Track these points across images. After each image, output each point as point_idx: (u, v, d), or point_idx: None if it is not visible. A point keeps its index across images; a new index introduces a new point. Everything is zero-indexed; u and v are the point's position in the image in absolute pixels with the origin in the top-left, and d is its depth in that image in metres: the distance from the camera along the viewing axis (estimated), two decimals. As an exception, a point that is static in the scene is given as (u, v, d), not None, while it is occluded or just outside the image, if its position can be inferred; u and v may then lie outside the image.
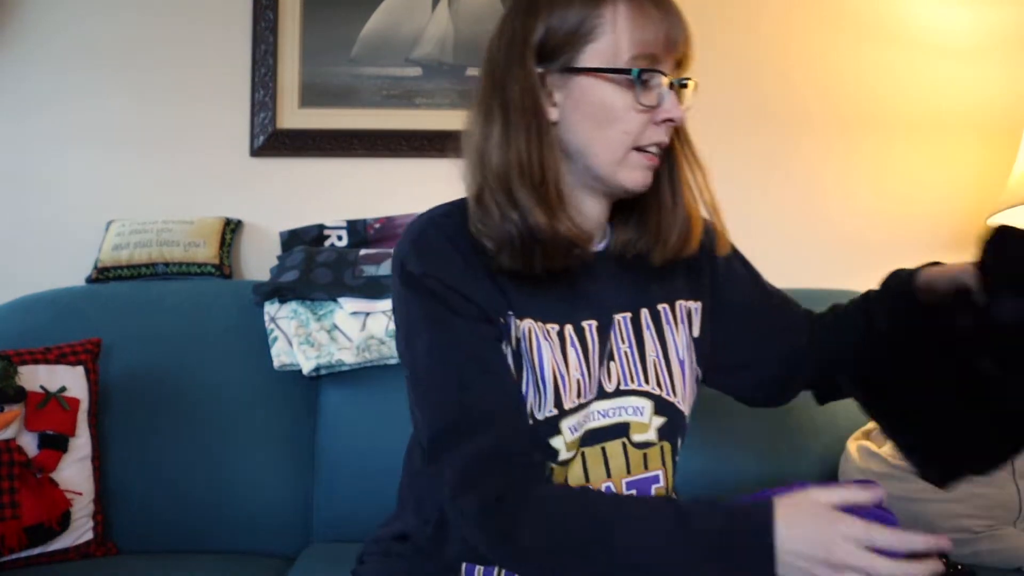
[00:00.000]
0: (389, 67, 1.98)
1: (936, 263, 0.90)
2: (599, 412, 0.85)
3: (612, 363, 0.87)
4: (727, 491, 1.43)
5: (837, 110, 2.09)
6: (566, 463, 0.84)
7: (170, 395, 1.56)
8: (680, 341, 0.91)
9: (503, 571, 0.85)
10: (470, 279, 0.82)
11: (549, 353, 0.82)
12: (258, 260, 1.93)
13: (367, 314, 1.61)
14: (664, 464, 0.89)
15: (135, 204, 1.92)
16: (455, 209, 0.85)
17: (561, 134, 0.83)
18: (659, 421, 0.88)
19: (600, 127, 0.82)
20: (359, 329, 1.58)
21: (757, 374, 1.02)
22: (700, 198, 0.91)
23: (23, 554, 1.32)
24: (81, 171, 1.93)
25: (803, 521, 0.70)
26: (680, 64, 0.85)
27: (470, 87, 1.64)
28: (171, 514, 1.50)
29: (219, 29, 1.97)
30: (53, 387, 1.43)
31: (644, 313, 0.90)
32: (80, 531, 1.39)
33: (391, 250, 1.51)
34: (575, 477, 0.85)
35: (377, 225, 1.83)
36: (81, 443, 1.43)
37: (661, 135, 0.84)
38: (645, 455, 0.87)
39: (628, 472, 0.86)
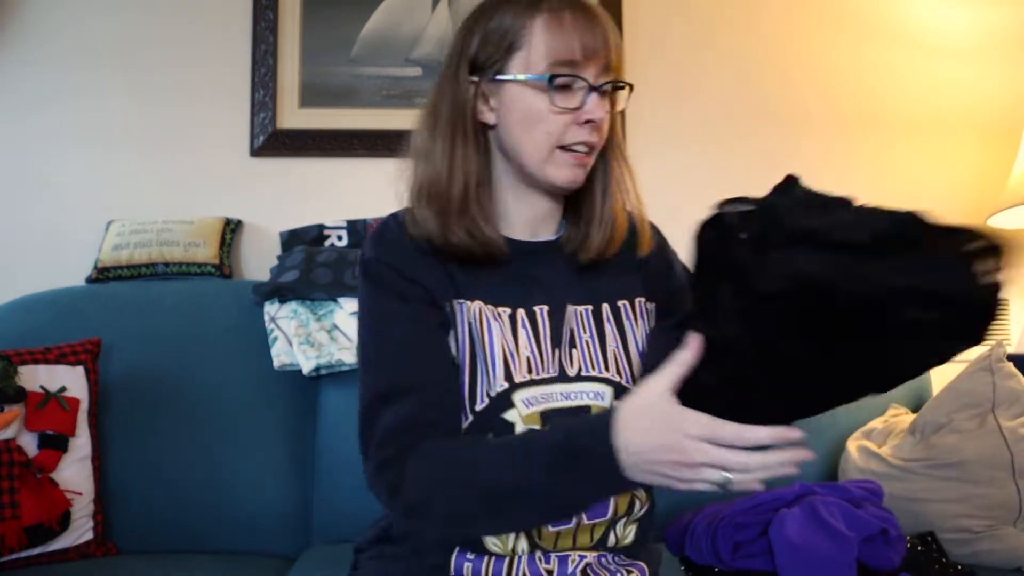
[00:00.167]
0: (389, 67, 1.98)
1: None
2: (561, 394, 0.90)
3: (574, 350, 0.92)
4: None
5: (837, 110, 2.09)
6: None
7: (170, 395, 1.56)
8: (639, 335, 0.96)
9: (491, 568, 0.88)
10: (421, 266, 0.91)
11: (499, 332, 0.89)
12: (258, 260, 1.93)
13: (367, 314, 1.60)
14: None
15: (135, 204, 1.92)
16: None
17: (499, 136, 0.92)
18: None
19: (527, 129, 0.90)
20: (359, 329, 1.58)
21: None
22: (627, 199, 0.98)
23: (23, 554, 1.32)
24: (81, 171, 1.93)
25: (649, 426, 0.74)
26: (608, 69, 0.90)
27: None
28: (171, 514, 1.50)
29: (219, 29, 1.97)
30: (53, 387, 1.43)
31: (605, 307, 0.96)
32: (80, 531, 1.39)
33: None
34: None
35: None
36: (81, 443, 1.43)
37: (585, 135, 0.90)
38: None
39: None
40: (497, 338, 0.89)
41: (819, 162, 2.08)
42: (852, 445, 1.52)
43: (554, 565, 0.88)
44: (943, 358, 0.66)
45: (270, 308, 1.62)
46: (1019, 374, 1.42)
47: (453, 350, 0.89)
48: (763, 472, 0.72)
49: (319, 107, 1.96)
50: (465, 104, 0.91)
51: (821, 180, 2.15)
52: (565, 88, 0.88)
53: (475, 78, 0.91)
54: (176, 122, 1.95)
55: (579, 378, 0.91)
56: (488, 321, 0.89)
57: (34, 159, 1.92)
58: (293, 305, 1.61)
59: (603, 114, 0.89)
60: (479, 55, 0.91)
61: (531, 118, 0.89)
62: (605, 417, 0.77)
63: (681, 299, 1.01)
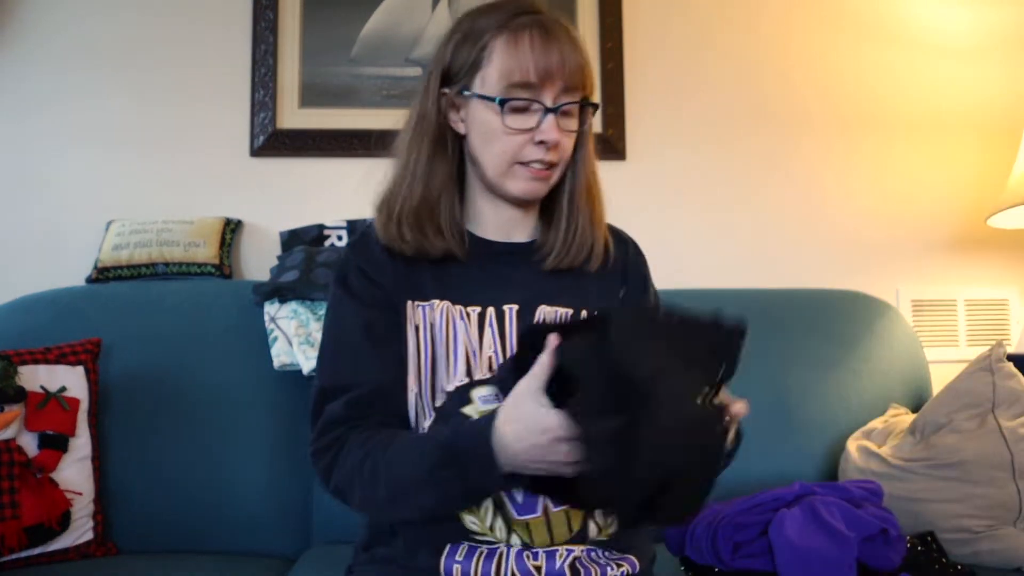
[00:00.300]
0: (389, 67, 1.98)
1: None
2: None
3: None
4: (727, 491, 1.42)
5: (837, 110, 2.09)
6: None
7: (170, 395, 1.56)
8: None
9: (479, 568, 0.90)
10: (387, 269, 0.97)
11: (463, 332, 0.94)
12: (258, 260, 1.93)
13: (367, 314, 1.61)
14: None
15: (135, 204, 1.92)
16: None
17: (468, 145, 0.97)
18: None
19: (486, 144, 0.94)
20: (359, 329, 1.58)
21: None
22: (590, 216, 1.01)
23: (23, 554, 1.32)
24: (81, 171, 1.93)
25: (520, 428, 0.78)
26: (569, 90, 0.92)
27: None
28: (171, 514, 1.50)
29: (219, 29, 1.97)
30: (53, 387, 1.43)
31: (584, 314, 0.99)
32: (80, 531, 1.39)
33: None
34: None
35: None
36: (81, 443, 1.43)
37: (540, 154, 0.93)
38: None
39: None
40: (461, 337, 0.94)
41: (819, 162, 2.08)
42: (852, 445, 1.52)
43: (542, 561, 0.89)
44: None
45: (270, 308, 1.62)
46: (1019, 374, 1.42)
47: (412, 349, 0.94)
48: None
49: (319, 107, 1.96)
50: (435, 113, 0.96)
51: (821, 180, 2.15)
52: (522, 109, 0.91)
53: (447, 90, 0.96)
54: (176, 122, 1.95)
55: None
56: (455, 321, 0.94)
57: (34, 159, 1.92)
58: (293, 305, 1.61)
59: (556, 136, 0.91)
60: (451, 67, 0.95)
61: (489, 135, 0.93)
62: (489, 418, 0.81)
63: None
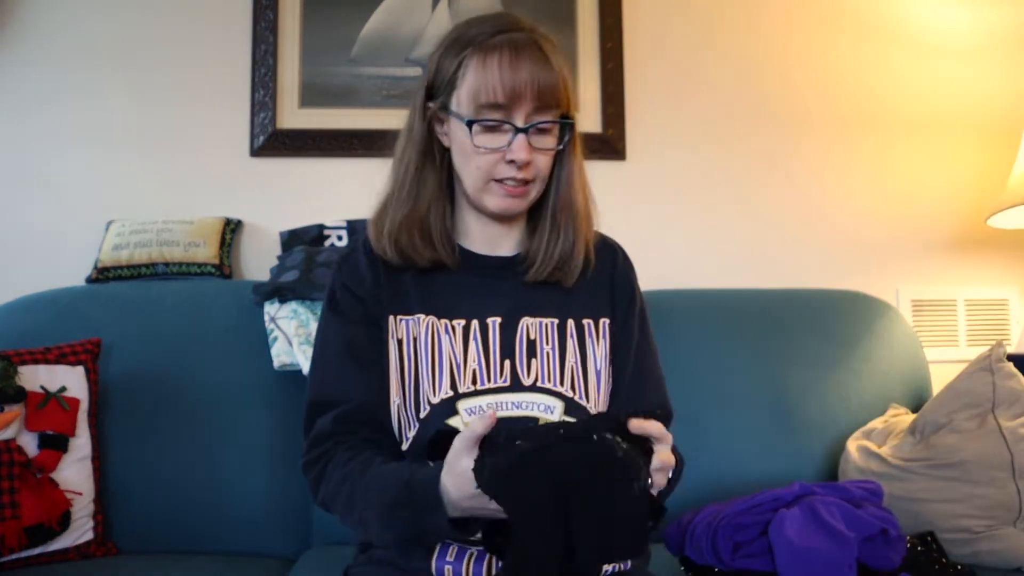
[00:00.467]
0: (389, 67, 1.98)
1: None
2: (513, 403, 0.94)
3: (534, 360, 0.96)
4: (727, 491, 1.43)
5: (837, 110, 2.09)
6: None
7: (170, 395, 1.56)
8: (600, 353, 1.00)
9: (471, 567, 0.91)
10: (372, 285, 0.99)
11: (448, 346, 0.96)
12: (258, 260, 1.93)
13: (367, 314, 1.61)
14: None
15: (135, 204, 1.92)
16: None
17: (452, 159, 0.99)
18: (569, 421, 0.94)
19: (464, 160, 0.96)
20: (359, 329, 1.58)
21: None
22: (573, 231, 1.01)
23: (23, 554, 1.32)
24: (81, 171, 1.93)
25: (455, 480, 0.79)
26: (542, 108, 0.93)
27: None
28: (171, 514, 1.50)
29: (219, 29, 1.97)
30: (53, 387, 1.43)
31: (570, 323, 1.00)
32: (80, 531, 1.39)
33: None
34: None
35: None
36: (81, 443, 1.43)
37: (513, 172, 0.94)
38: None
39: None
40: (446, 350, 0.96)
41: (819, 162, 2.08)
42: (852, 445, 1.52)
43: None
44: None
45: (270, 308, 1.62)
46: (1019, 374, 1.42)
47: (395, 362, 0.97)
48: None
49: (319, 107, 1.96)
50: (422, 126, 0.98)
51: (821, 180, 2.16)
52: (493, 128, 0.92)
53: (431, 104, 0.98)
54: (176, 122, 1.95)
55: (534, 388, 0.95)
56: (439, 335, 0.96)
57: (34, 159, 1.92)
58: (293, 305, 1.61)
59: (526, 156, 0.92)
60: (434, 82, 0.97)
61: (465, 152, 0.95)
62: (439, 469, 0.82)
63: (626, 333, 1.04)
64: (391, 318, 0.99)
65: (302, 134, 1.95)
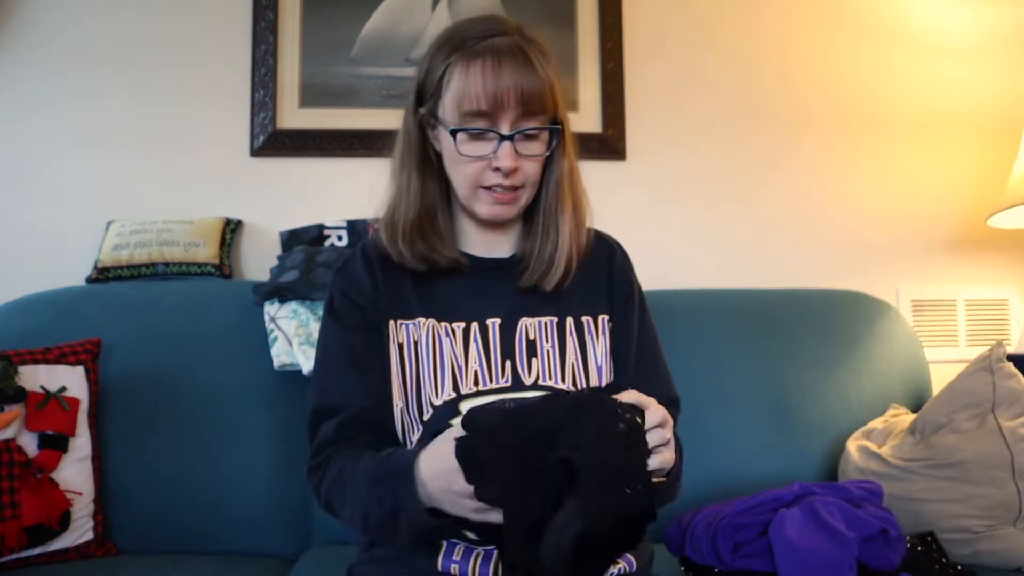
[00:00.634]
0: (389, 67, 1.98)
1: None
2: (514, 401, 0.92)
3: (534, 359, 0.96)
4: (727, 491, 1.43)
5: (837, 110, 2.09)
6: None
7: (170, 395, 1.56)
8: (599, 350, 1.00)
9: (477, 567, 0.91)
10: (368, 291, 1.00)
11: (449, 348, 0.96)
12: (258, 260, 1.93)
13: (367, 314, 1.61)
14: None
15: (135, 204, 1.92)
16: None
17: (444, 163, 0.99)
18: None
19: (453, 167, 0.97)
20: (359, 329, 1.58)
21: None
22: (565, 234, 1.00)
23: (23, 554, 1.32)
24: (81, 171, 1.93)
25: (434, 473, 0.80)
26: (528, 115, 0.92)
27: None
28: (171, 514, 1.50)
29: (219, 29, 1.97)
30: (53, 387, 1.43)
31: (569, 321, 1.00)
32: (80, 531, 1.39)
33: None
34: None
35: (377, 225, 1.83)
36: (81, 443, 1.43)
37: (499, 179, 0.94)
38: None
39: None
40: (447, 353, 0.96)
41: (819, 162, 2.08)
42: (852, 445, 1.52)
43: None
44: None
45: (270, 308, 1.62)
46: (1019, 374, 1.42)
47: (396, 366, 0.97)
48: None
49: (319, 107, 1.96)
50: (416, 131, 0.98)
51: (821, 180, 2.16)
52: (478, 136, 0.92)
53: (422, 109, 0.98)
54: (176, 122, 1.95)
55: (536, 387, 0.95)
56: (440, 339, 0.97)
57: (34, 159, 1.92)
58: (293, 305, 1.61)
59: (511, 163, 0.92)
60: (424, 87, 0.98)
61: (453, 159, 0.95)
62: (418, 450, 0.84)
63: (627, 329, 1.04)
64: (391, 323, 0.99)
65: (302, 134, 1.95)
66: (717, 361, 1.67)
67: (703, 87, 2.07)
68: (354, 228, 1.84)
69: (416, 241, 0.98)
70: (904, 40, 2.11)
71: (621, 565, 0.94)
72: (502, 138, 0.91)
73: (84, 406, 1.45)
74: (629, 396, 0.78)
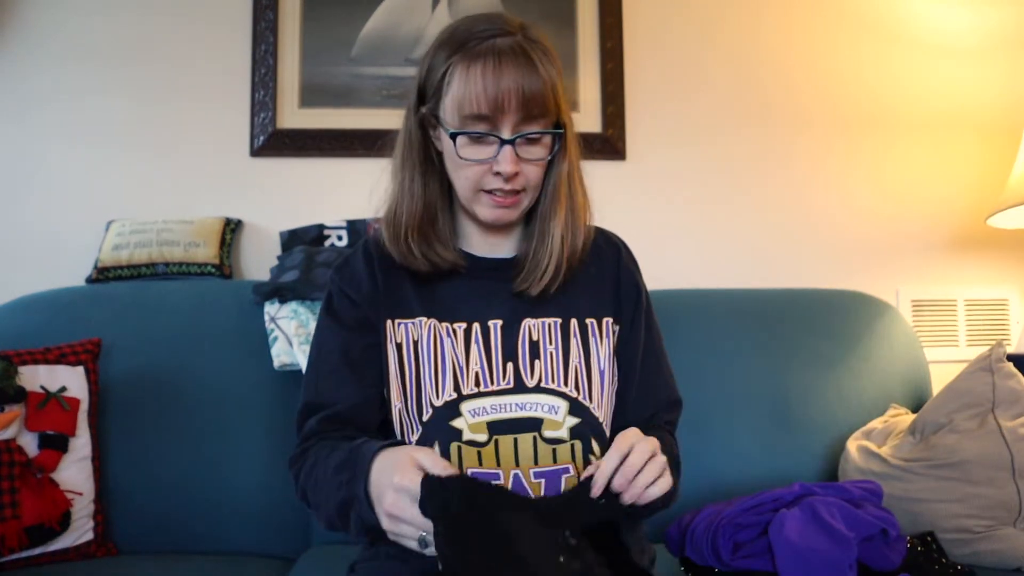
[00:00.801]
0: (389, 67, 1.98)
1: None
2: (516, 404, 0.93)
3: (537, 361, 0.95)
4: (728, 491, 1.43)
5: (837, 110, 2.09)
6: (480, 446, 0.91)
7: (170, 395, 1.56)
8: (603, 353, 0.99)
9: None
10: (367, 290, 0.99)
11: (450, 349, 0.96)
12: (258, 260, 1.93)
13: (367, 314, 1.61)
14: (574, 459, 0.94)
15: (135, 204, 1.92)
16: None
17: (445, 164, 0.97)
18: (573, 421, 0.94)
19: (454, 169, 0.95)
20: (359, 329, 1.58)
21: None
22: (564, 237, 0.99)
23: (23, 554, 1.32)
24: (81, 171, 1.93)
25: (384, 466, 0.81)
26: (530, 118, 0.90)
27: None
28: (171, 514, 1.50)
29: (219, 29, 1.97)
30: (53, 387, 1.43)
31: (573, 323, 0.99)
32: (80, 531, 1.39)
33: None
34: (488, 458, 0.92)
35: (377, 225, 1.82)
36: (81, 443, 1.43)
37: (499, 183, 0.92)
38: (555, 450, 0.93)
39: (536, 463, 0.92)
40: (448, 353, 0.95)
41: (819, 162, 2.08)
42: (852, 445, 1.52)
43: None
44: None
45: (270, 308, 1.62)
46: (1019, 374, 1.42)
47: (395, 366, 0.97)
48: None
49: (319, 107, 1.96)
50: (418, 130, 0.97)
51: (821, 180, 2.15)
52: (478, 140, 0.90)
53: (423, 108, 0.96)
54: (176, 122, 1.95)
55: (538, 389, 0.94)
56: (441, 338, 0.96)
57: (34, 159, 1.92)
58: (293, 305, 1.61)
59: (512, 168, 0.90)
60: (425, 86, 0.95)
61: (454, 162, 0.94)
62: (382, 446, 0.84)
63: (634, 333, 1.04)
64: (388, 322, 0.99)
65: (302, 134, 1.95)
66: (717, 361, 1.67)
67: (703, 87, 2.07)
68: (354, 228, 1.84)
69: (417, 241, 0.97)
70: (904, 40, 2.11)
71: None
72: (503, 142, 0.90)
73: (84, 406, 1.45)
74: (610, 460, 0.81)
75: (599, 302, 1.02)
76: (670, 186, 2.04)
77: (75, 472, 1.41)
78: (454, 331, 0.97)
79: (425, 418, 0.94)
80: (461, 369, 0.95)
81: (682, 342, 1.65)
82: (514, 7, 1.99)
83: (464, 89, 0.89)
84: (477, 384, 0.94)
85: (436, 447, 0.92)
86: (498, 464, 0.92)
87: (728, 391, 1.65)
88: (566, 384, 0.95)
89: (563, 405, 0.94)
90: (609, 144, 2.00)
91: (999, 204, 1.88)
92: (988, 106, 2.10)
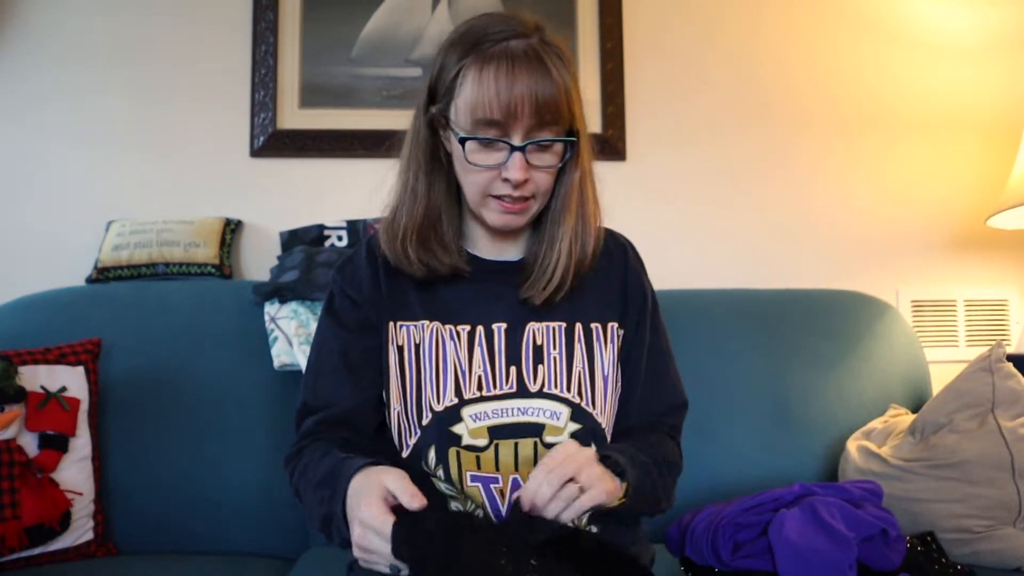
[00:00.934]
0: (389, 67, 1.98)
1: None
2: (519, 409, 0.93)
3: (540, 365, 0.94)
4: (727, 491, 1.43)
5: (837, 110, 2.09)
6: (480, 450, 0.92)
7: (170, 395, 1.56)
8: (607, 358, 0.98)
9: None
10: (368, 291, 0.98)
11: (453, 352, 0.94)
12: (258, 260, 1.93)
13: (367, 314, 1.61)
14: None
15: (135, 204, 1.92)
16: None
17: (454, 165, 0.96)
18: (574, 427, 0.94)
19: (463, 172, 0.93)
20: (359, 329, 1.58)
21: None
22: (572, 245, 0.97)
23: (23, 554, 1.32)
24: (81, 171, 1.93)
25: (357, 490, 0.81)
26: (541, 125, 0.88)
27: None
28: (171, 514, 1.50)
29: (219, 29, 1.97)
30: (53, 387, 1.43)
31: (578, 327, 0.98)
32: (80, 531, 1.40)
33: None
34: (487, 463, 0.92)
35: (377, 225, 1.83)
36: (81, 443, 1.43)
37: (508, 190, 0.91)
38: None
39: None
40: (451, 357, 0.94)
41: (819, 162, 2.08)
42: (852, 445, 1.52)
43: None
44: None
45: (270, 308, 1.62)
46: (1019, 374, 1.42)
47: (396, 369, 0.96)
48: None
49: (319, 107, 1.96)
50: (427, 131, 0.95)
51: (821, 180, 2.15)
52: (488, 145, 0.88)
53: (433, 108, 0.93)
54: (176, 122, 1.95)
55: (540, 394, 0.93)
56: (443, 342, 0.95)
57: (34, 159, 1.92)
58: (293, 305, 1.61)
59: (521, 175, 0.88)
60: (436, 86, 0.93)
61: (463, 165, 0.92)
62: (365, 464, 0.83)
63: (639, 337, 1.03)
64: (390, 324, 0.97)
65: (302, 134, 1.95)
66: (717, 361, 1.67)
67: (703, 87, 2.07)
68: (354, 228, 1.84)
69: (414, 245, 0.95)
70: (904, 40, 2.11)
71: None
72: (513, 148, 0.88)
73: (84, 406, 1.46)
74: (530, 483, 0.81)
75: (606, 305, 1.01)
76: (670, 186, 2.04)
77: (75, 472, 1.41)
78: (457, 333, 0.96)
79: (424, 422, 0.93)
80: (463, 373, 0.94)
81: (682, 342, 1.64)
82: (514, 7, 1.99)
83: (476, 93, 0.86)
84: (479, 388, 0.93)
85: (432, 452, 0.91)
86: (497, 468, 0.92)
87: (728, 391, 1.65)
88: (569, 390, 0.94)
89: (565, 411, 0.93)
90: (609, 144, 2.00)
91: (999, 204, 1.88)
92: (988, 106, 2.10)
